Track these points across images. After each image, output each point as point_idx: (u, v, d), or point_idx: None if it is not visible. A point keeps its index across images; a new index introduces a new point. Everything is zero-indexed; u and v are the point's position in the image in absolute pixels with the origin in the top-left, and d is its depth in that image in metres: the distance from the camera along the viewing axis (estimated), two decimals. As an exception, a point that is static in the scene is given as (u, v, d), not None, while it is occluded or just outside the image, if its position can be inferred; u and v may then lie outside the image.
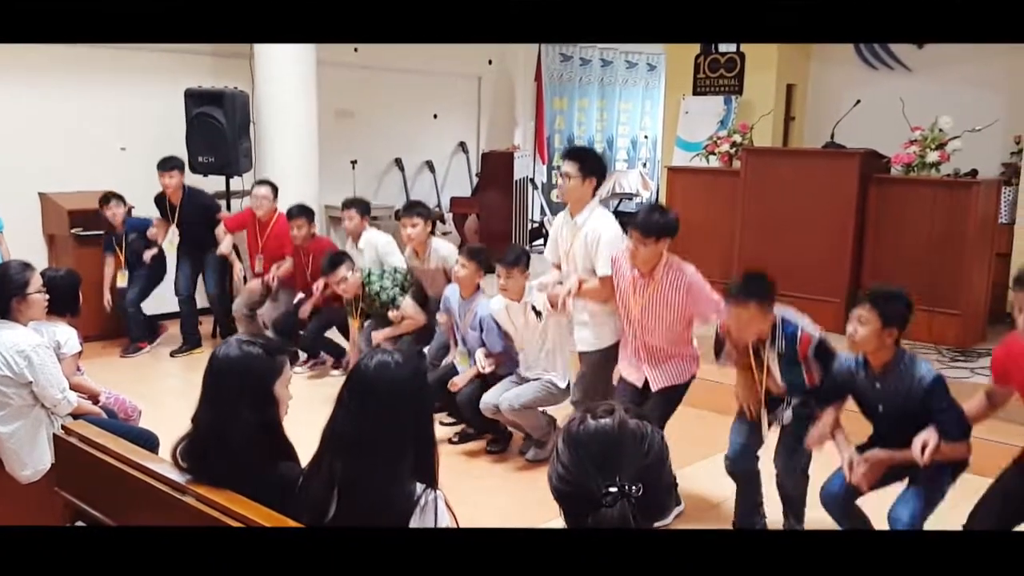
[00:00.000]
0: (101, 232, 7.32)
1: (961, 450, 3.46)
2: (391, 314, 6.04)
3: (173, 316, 7.63)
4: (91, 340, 6.43)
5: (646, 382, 4.39)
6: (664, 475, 1.65)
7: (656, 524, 1.66)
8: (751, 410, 4.02)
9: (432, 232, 6.08)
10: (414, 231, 5.88)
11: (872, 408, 3.65)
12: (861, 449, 3.64)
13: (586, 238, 4.54)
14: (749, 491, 4.18)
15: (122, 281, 7.25)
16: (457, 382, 5.24)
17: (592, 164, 4.58)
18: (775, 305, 3.84)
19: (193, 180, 7.81)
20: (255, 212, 7.17)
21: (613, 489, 1.55)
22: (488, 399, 5.11)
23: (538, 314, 4.99)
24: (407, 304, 6.00)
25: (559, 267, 4.78)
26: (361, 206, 6.78)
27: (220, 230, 7.32)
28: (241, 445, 2.44)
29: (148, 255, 7.25)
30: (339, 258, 6.18)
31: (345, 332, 6.75)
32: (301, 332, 6.87)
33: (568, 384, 5.07)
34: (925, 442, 3.36)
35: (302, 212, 6.86)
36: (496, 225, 9.44)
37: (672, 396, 4.39)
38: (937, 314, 6.24)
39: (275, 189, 7.18)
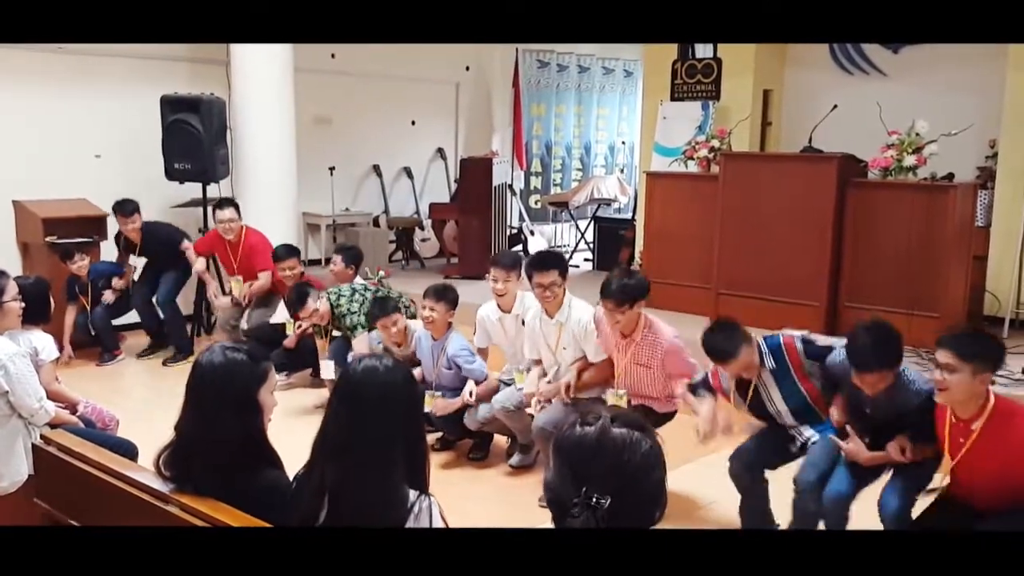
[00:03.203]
0: (76, 240, 7.23)
1: (930, 452, 3.52)
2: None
3: (135, 327, 7.60)
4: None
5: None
6: (647, 485, 1.63)
7: None
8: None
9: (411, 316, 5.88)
10: (396, 328, 5.57)
11: (858, 410, 3.67)
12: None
13: (573, 332, 4.73)
14: (754, 501, 4.11)
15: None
16: (440, 405, 5.05)
17: (566, 265, 4.82)
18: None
19: (170, 187, 7.76)
20: (224, 236, 7.09)
21: (579, 501, 1.57)
22: (479, 413, 5.08)
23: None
24: (358, 342, 5.89)
25: (539, 362, 4.93)
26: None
27: (191, 255, 7.27)
28: (226, 453, 2.41)
29: (109, 296, 7.25)
30: (303, 291, 6.11)
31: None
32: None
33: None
34: (902, 446, 3.46)
35: (290, 253, 6.73)
36: (475, 231, 9.41)
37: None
38: (916, 317, 6.27)
39: (237, 207, 7.09)
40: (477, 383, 5.12)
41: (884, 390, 3.52)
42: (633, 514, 1.61)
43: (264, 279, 6.97)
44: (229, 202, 7.15)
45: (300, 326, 6.31)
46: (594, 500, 1.55)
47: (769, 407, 3.95)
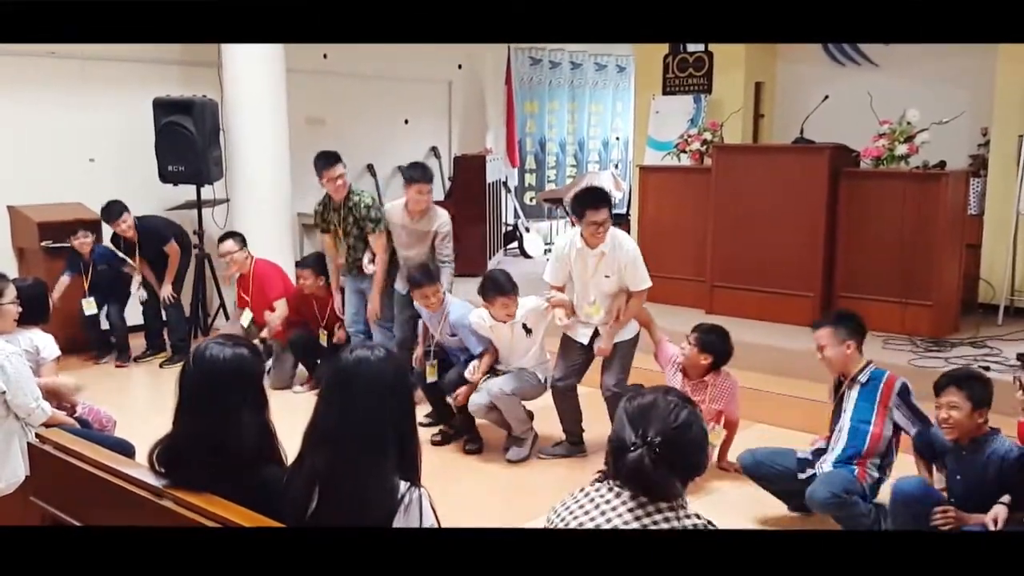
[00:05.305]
0: (71, 244, 7.26)
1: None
2: (365, 266, 6.14)
3: (137, 328, 7.61)
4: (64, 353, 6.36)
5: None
6: (690, 435, 2.01)
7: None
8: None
9: None
10: (423, 198, 5.85)
11: (951, 475, 3.73)
12: None
13: (618, 262, 4.89)
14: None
15: (89, 308, 7.18)
16: (460, 396, 5.23)
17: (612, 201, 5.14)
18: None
19: (164, 190, 7.77)
20: (231, 270, 6.89)
21: (636, 440, 1.97)
22: (477, 400, 5.16)
23: (528, 331, 5.18)
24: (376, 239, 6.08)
25: (560, 288, 5.08)
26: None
27: (173, 257, 7.30)
28: (239, 447, 2.38)
29: (135, 285, 7.32)
30: (335, 155, 6.15)
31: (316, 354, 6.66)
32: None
33: (546, 379, 5.23)
34: (996, 516, 3.46)
35: (314, 262, 6.65)
36: (470, 229, 9.42)
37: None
38: (910, 305, 6.29)
39: (236, 237, 6.84)
40: (480, 356, 5.26)
41: (972, 441, 3.60)
42: (682, 457, 1.99)
43: (281, 308, 6.64)
44: (229, 236, 6.86)
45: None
46: (649, 438, 1.95)
47: (842, 417, 4.15)
